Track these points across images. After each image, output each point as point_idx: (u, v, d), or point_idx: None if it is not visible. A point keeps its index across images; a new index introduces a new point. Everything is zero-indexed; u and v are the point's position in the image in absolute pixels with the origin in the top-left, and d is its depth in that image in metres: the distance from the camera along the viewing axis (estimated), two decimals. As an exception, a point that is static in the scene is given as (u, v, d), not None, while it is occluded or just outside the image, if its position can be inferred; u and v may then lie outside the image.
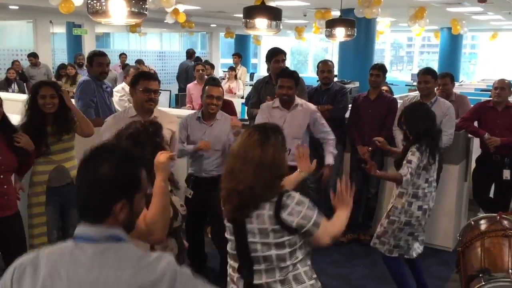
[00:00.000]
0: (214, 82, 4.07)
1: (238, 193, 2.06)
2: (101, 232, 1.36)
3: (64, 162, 3.52)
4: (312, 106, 4.16)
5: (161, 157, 2.07)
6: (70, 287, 1.30)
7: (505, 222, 2.83)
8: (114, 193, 1.37)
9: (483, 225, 2.88)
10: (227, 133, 3.81)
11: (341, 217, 2.23)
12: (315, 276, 2.20)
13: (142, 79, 3.29)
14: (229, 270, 2.24)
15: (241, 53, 11.82)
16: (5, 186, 3.16)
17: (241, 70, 10.86)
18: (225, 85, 8.83)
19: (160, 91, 3.52)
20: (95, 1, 3.17)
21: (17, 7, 11.94)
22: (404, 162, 3.32)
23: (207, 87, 3.83)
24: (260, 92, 4.74)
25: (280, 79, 4.02)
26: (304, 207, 2.08)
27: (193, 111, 5.29)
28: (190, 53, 10.98)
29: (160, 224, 2.02)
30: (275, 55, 4.68)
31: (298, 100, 4.10)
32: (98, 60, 4.51)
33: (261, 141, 2.08)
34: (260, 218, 2.06)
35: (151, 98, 3.27)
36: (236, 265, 2.18)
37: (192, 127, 3.85)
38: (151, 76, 3.36)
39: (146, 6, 3.33)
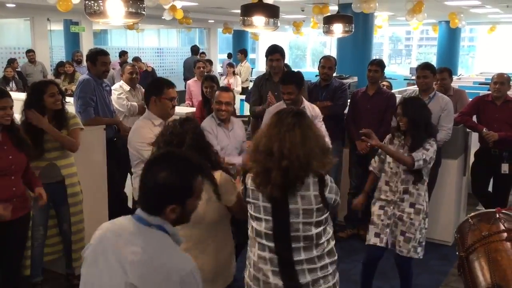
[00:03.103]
0: (224, 88, 4.03)
1: (282, 171, 2.07)
2: (154, 221, 1.64)
3: (57, 160, 3.53)
4: (317, 110, 4.14)
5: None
6: (108, 249, 1.63)
7: (504, 221, 2.73)
8: (167, 197, 1.63)
9: (483, 225, 2.72)
10: (242, 136, 3.88)
11: None
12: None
13: (167, 88, 3.37)
14: (258, 249, 2.25)
15: (238, 50, 11.91)
16: (14, 188, 3.15)
17: (244, 67, 10.88)
18: (223, 81, 8.87)
19: None
20: (92, 2, 3.16)
21: (14, 5, 11.90)
22: (421, 148, 3.24)
23: (217, 92, 3.85)
24: (260, 89, 4.74)
25: (281, 86, 4.01)
26: (333, 182, 2.22)
27: (192, 109, 5.32)
28: (195, 50, 11.12)
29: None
30: (270, 54, 4.70)
31: (305, 102, 4.08)
32: (102, 59, 4.49)
33: (298, 119, 2.16)
34: (306, 199, 2.13)
35: (174, 106, 3.44)
36: (270, 244, 2.20)
37: (218, 134, 3.76)
38: (173, 83, 3.47)
39: (143, 6, 3.33)
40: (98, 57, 4.49)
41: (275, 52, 4.67)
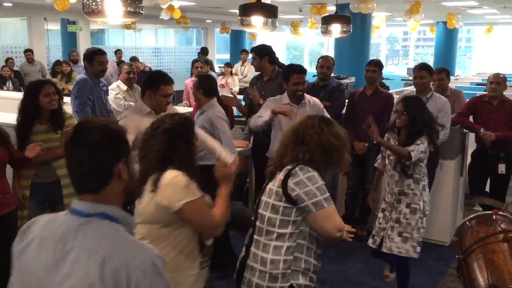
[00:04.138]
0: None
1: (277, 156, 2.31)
2: (94, 208, 1.40)
3: (53, 160, 3.49)
4: (319, 102, 4.26)
5: (224, 170, 2.27)
6: (55, 255, 1.37)
7: (501, 222, 2.75)
8: (112, 154, 1.43)
9: (480, 227, 2.75)
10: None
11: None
12: (298, 254, 2.18)
13: (163, 85, 3.39)
14: None
15: (236, 49, 11.94)
16: None
17: (248, 67, 10.87)
18: (221, 80, 8.87)
19: None
20: (90, 1, 3.15)
21: (11, 4, 11.87)
22: (412, 145, 3.29)
23: None
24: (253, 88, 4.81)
25: (296, 75, 4.06)
26: (313, 185, 2.12)
27: (189, 109, 5.32)
28: (205, 51, 11.24)
29: (224, 221, 2.24)
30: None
31: (306, 95, 4.19)
32: (100, 58, 4.47)
33: (321, 123, 2.30)
34: (275, 180, 2.23)
35: (169, 102, 3.49)
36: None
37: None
38: (170, 79, 3.47)
39: (142, 5, 3.33)
40: (95, 56, 4.47)
41: (251, 51, 4.82)
